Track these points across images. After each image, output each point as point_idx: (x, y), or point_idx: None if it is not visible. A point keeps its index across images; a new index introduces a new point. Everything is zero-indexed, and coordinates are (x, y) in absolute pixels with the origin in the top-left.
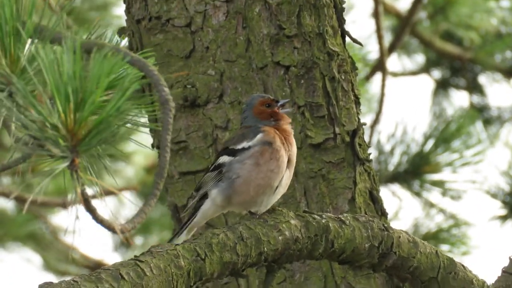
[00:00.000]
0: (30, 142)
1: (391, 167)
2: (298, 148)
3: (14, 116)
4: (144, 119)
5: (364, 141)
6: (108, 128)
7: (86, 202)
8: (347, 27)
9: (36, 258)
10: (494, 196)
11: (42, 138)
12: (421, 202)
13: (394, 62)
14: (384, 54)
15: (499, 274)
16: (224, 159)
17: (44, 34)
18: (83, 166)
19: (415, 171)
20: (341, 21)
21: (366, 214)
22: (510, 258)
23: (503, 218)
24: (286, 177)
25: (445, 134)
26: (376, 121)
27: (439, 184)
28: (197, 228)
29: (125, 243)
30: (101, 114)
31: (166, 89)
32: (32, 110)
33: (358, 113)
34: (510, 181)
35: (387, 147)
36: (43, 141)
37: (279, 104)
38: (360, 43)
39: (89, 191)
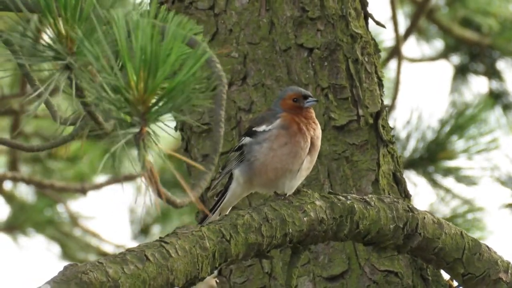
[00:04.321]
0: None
1: (407, 154)
2: (322, 130)
3: (81, 80)
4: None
5: (388, 123)
6: (181, 94)
7: (151, 173)
8: (370, 9)
9: (54, 247)
10: (504, 184)
11: (110, 104)
12: (436, 188)
13: (413, 48)
14: (399, 40)
15: None
16: (246, 140)
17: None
18: (148, 135)
19: (430, 157)
20: (364, 3)
21: (390, 195)
22: None
23: None
24: (307, 161)
25: (461, 121)
26: (391, 107)
27: (454, 170)
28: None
29: (143, 231)
30: (173, 81)
31: (219, 66)
32: (104, 75)
33: (381, 95)
34: None
35: (403, 134)
36: (111, 108)
37: (306, 102)
38: (383, 25)
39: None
